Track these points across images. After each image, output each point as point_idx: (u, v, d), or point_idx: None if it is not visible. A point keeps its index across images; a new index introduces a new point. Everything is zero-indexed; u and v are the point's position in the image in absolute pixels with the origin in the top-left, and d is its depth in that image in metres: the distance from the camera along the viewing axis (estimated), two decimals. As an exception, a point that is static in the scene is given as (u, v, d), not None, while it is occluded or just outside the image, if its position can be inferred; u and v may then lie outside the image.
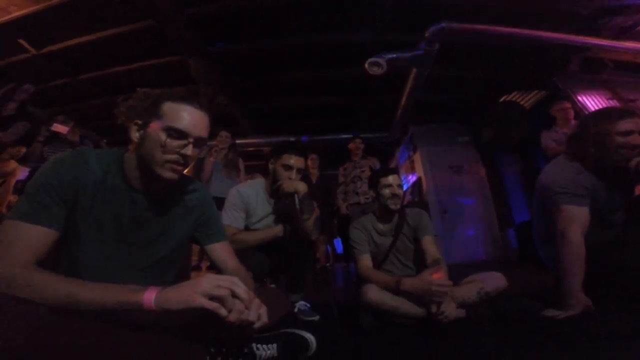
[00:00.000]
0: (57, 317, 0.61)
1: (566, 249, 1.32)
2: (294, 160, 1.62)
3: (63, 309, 0.62)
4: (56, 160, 0.79)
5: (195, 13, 3.05)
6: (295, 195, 1.55)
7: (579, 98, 3.54)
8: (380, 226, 1.76)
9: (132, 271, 0.87)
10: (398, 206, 1.70)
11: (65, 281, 0.66)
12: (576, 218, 1.34)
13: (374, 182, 1.75)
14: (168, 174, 0.82)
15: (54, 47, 3.41)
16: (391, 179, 1.70)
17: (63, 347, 0.59)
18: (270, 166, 1.68)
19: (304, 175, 1.70)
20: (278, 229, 1.61)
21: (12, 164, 3.08)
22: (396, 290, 1.39)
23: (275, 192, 1.64)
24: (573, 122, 2.94)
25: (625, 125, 1.33)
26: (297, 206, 1.54)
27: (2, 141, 2.64)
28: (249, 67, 3.99)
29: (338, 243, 5.32)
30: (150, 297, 0.63)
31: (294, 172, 1.61)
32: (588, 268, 1.30)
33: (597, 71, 3.67)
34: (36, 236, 0.71)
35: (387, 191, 1.69)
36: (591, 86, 3.67)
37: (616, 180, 1.38)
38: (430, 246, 1.64)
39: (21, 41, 3.29)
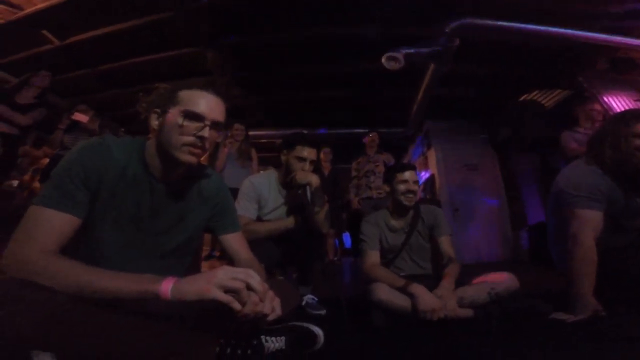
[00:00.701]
0: (71, 305, 0.63)
1: (577, 252, 1.30)
2: (307, 152, 1.62)
3: (80, 296, 0.64)
4: (81, 148, 0.81)
5: (210, 5, 3.05)
6: (307, 187, 1.56)
7: (605, 99, 3.39)
8: (393, 223, 1.73)
9: (148, 259, 0.89)
10: (413, 202, 1.67)
11: (85, 269, 0.67)
12: (589, 222, 1.32)
13: (390, 177, 1.73)
14: (186, 157, 0.83)
15: (76, 39, 3.47)
16: (407, 174, 1.67)
17: (77, 334, 0.61)
18: (283, 157, 1.69)
19: (316, 168, 1.71)
20: (289, 221, 1.63)
21: (46, 161, 3.20)
22: (403, 291, 1.37)
23: (289, 183, 1.65)
24: (598, 124, 2.82)
25: None
26: (309, 198, 1.55)
27: (19, 123, 2.71)
28: (262, 60, 3.97)
29: (346, 237, 5.32)
30: (166, 287, 0.64)
31: (308, 164, 1.62)
32: (601, 272, 1.27)
33: (626, 71, 3.51)
34: (59, 223, 0.74)
35: (402, 187, 1.66)
36: (618, 86, 3.50)
37: (635, 185, 1.34)
38: (446, 246, 1.64)
39: (45, 32, 3.36)
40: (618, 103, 3.38)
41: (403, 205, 1.67)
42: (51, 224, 0.72)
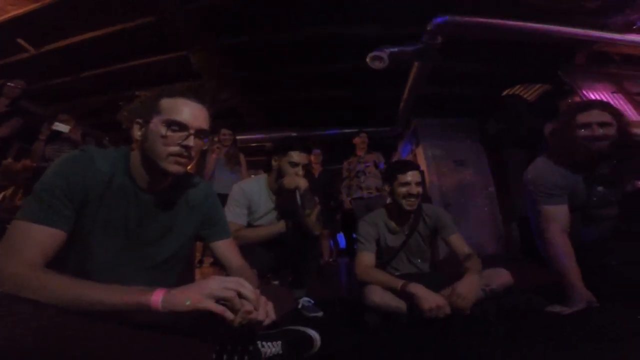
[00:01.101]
0: (64, 318, 0.61)
1: (550, 248, 1.35)
2: (301, 157, 1.63)
3: (71, 310, 0.62)
4: (63, 161, 0.79)
5: (200, 6, 3.01)
6: (297, 191, 1.56)
7: (584, 92, 3.50)
8: (393, 224, 1.64)
9: (139, 270, 0.88)
10: (414, 207, 1.54)
11: (74, 282, 0.66)
12: (553, 216, 1.37)
13: (390, 177, 1.59)
14: (173, 167, 0.82)
15: (54, 46, 3.39)
16: (410, 176, 1.53)
17: (70, 347, 0.59)
18: (275, 163, 1.68)
19: (306, 170, 1.71)
20: (281, 225, 1.62)
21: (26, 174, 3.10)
22: (399, 293, 1.32)
23: (279, 188, 1.65)
24: None
25: (583, 118, 1.35)
26: (298, 202, 1.55)
27: None
28: (253, 61, 3.95)
29: (341, 238, 5.34)
30: (157, 298, 0.63)
31: (301, 169, 1.63)
32: (581, 265, 1.31)
33: (603, 65, 3.63)
34: (45, 237, 0.72)
35: (403, 190, 1.52)
36: (596, 79, 3.62)
37: (592, 174, 1.39)
38: (459, 244, 1.56)
39: (20, 40, 3.26)
40: (596, 95, 3.49)
41: (404, 210, 1.54)
42: (36, 238, 0.71)
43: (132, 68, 3.78)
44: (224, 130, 3.46)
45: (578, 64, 3.70)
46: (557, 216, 1.37)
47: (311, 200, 1.62)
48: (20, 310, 0.59)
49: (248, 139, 5.30)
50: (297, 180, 1.58)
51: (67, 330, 0.60)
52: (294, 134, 4.90)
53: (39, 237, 0.71)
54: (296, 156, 1.62)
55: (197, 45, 3.45)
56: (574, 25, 3.05)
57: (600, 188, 1.39)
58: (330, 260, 4.54)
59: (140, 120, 0.85)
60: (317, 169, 4.08)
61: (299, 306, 1.67)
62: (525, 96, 4.54)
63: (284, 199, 1.66)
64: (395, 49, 3.17)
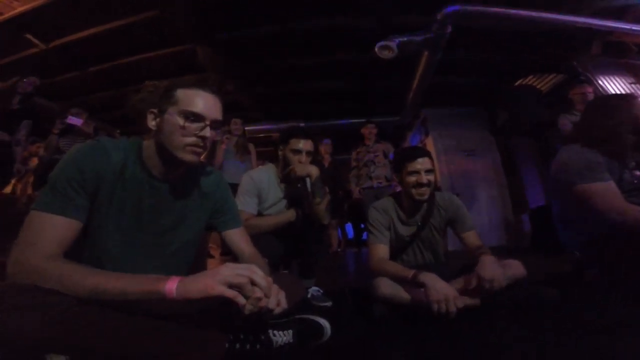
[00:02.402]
0: (82, 306, 0.63)
1: (633, 216, 1.24)
2: (302, 144, 1.62)
3: (88, 299, 0.64)
4: (77, 151, 0.80)
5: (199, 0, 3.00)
6: (307, 179, 1.56)
7: (600, 82, 3.39)
8: (404, 214, 1.56)
9: (152, 259, 0.89)
10: (425, 197, 1.43)
11: (91, 272, 0.68)
12: (609, 191, 1.30)
13: (398, 166, 1.49)
14: (189, 157, 0.83)
15: (62, 41, 3.41)
16: (419, 163, 1.42)
17: (89, 335, 0.61)
18: (280, 152, 1.68)
19: (315, 160, 1.70)
20: (291, 214, 1.62)
21: (35, 161, 3.17)
22: (409, 283, 1.25)
23: (287, 177, 1.65)
24: None
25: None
26: (309, 190, 1.55)
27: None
28: (257, 54, 3.94)
29: (349, 228, 5.35)
30: (172, 286, 0.65)
31: (304, 155, 1.61)
32: (605, 256, 1.27)
33: (620, 55, 3.50)
34: (61, 227, 0.73)
35: (412, 179, 1.41)
36: (613, 70, 3.51)
37: (624, 161, 1.37)
38: (473, 240, 1.48)
39: (28, 36, 3.28)
40: (613, 86, 3.38)
41: (415, 200, 1.44)
42: (53, 228, 0.72)
43: (134, 64, 3.80)
44: (234, 120, 3.49)
45: (594, 54, 3.57)
46: (611, 190, 1.30)
47: (322, 189, 1.61)
48: (40, 301, 0.61)
49: (255, 130, 5.32)
50: (307, 168, 1.57)
51: (86, 319, 0.62)
52: (301, 124, 4.89)
53: (56, 228, 0.72)
54: (298, 143, 1.61)
55: (198, 39, 3.43)
56: (590, 15, 2.94)
57: (629, 172, 1.36)
58: (339, 250, 4.57)
59: (155, 111, 0.85)
60: (327, 160, 4.08)
61: (309, 295, 1.69)
62: (538, 86, 4.42)
63: (294, 187, 1.66)
64: (405, 38, 3.11)
